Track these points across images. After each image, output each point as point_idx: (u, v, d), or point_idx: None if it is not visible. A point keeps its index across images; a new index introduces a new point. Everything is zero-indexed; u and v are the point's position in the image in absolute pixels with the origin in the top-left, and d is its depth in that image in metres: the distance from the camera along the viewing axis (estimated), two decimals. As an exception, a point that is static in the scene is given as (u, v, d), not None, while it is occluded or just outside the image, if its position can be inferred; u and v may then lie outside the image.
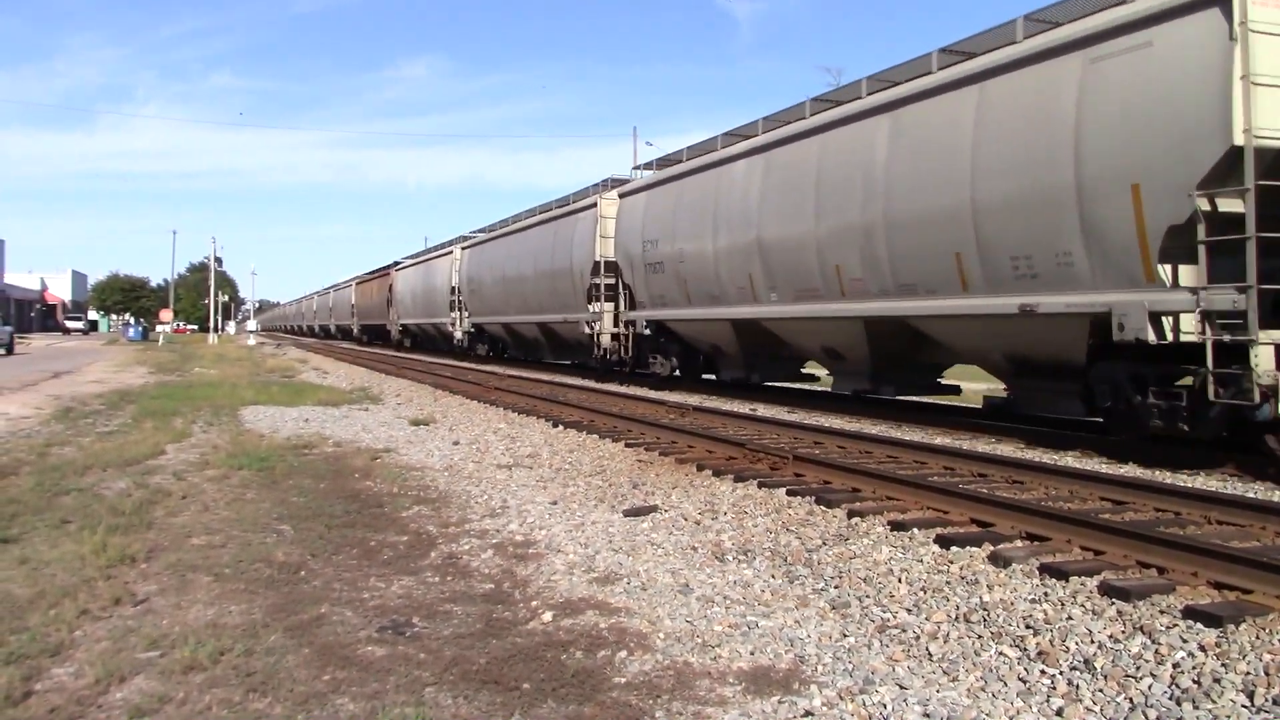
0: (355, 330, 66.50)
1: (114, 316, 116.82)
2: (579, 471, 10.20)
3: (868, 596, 5.67)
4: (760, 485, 8.78)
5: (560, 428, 13.78)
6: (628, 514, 8.03)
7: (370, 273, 63.73)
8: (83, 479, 9.47)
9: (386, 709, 4.05)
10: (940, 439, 11.99)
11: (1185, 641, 4.61)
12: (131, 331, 77.23)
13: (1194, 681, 4.21)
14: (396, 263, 53.87)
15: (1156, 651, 4.54)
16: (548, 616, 5.37)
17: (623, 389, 21.13)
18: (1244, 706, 3.97)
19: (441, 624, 5.27)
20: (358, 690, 4.31)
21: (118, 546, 6.59)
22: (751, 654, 4.81)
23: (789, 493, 8.39)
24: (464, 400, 18.80)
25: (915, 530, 6.88)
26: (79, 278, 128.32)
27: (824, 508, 7.81)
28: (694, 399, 17.64)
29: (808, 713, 4.10)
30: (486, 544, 7.12)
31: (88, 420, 15.05)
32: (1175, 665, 4.39)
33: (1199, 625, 4.79)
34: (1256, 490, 8.76)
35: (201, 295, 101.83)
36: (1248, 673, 4.23)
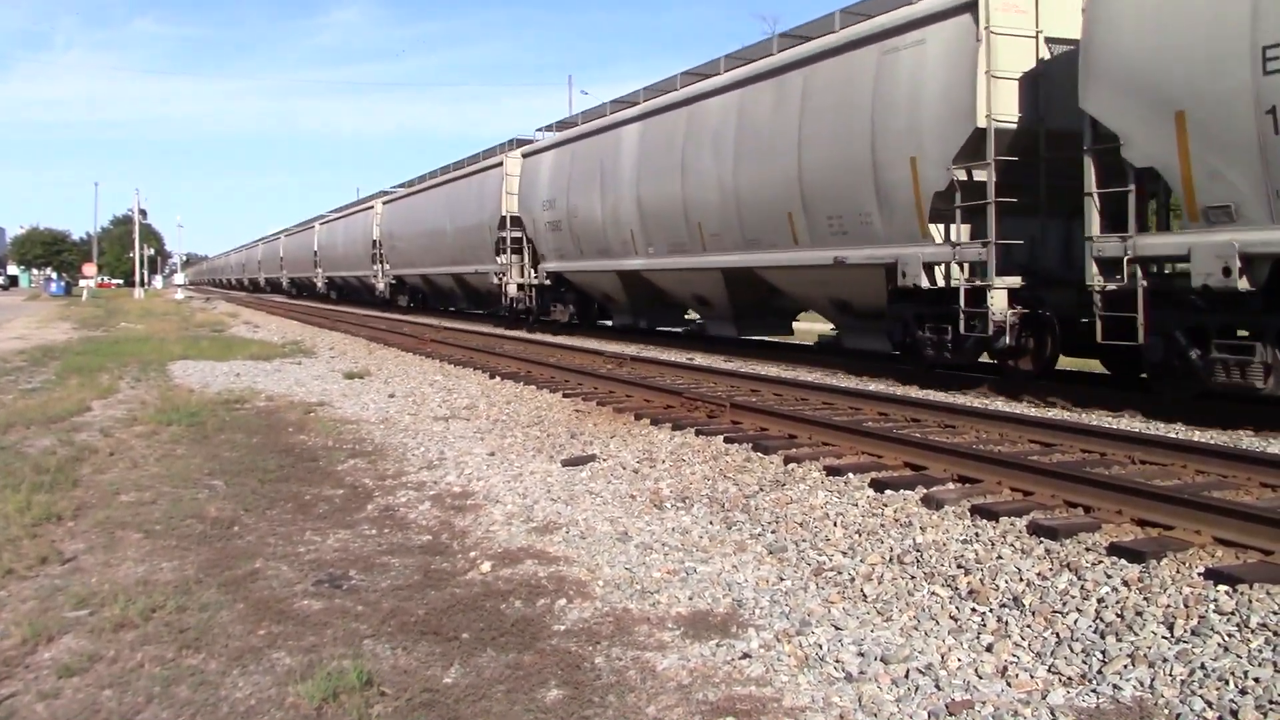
0: (284, 284, 65.46)
1: (35, 271, 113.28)
2: (516, 422, 10.16)
3: (804, 541, 5.74)
4: (698, 433, 8.82)
5: (497, 379, 13.70)
6: (566, 464, 8.03)
7: (297, 225, 62.90)
8: (5, 437, 9.22)
9: (324, 662, 4.02)
10: (874, 385, 12.15)
11: (1109, 577, 4.74)
12: (54, 287, 75.08)
13: (1117, 615, 4.34)
14: (321, 216, 54.05)
15: (1082, 588, 4.66)
16: (486, 567, 5.37)
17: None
18: (1164, 638, 4.11)
19: (379, 576, 5.24)
20: (294, 644, 4.27)
21: (43, 505, 6.44)
22: (690, 599, 4.86)
23: (726, 440, 8.44)
24: (399, 353, 18.59)
25: (851, 475, 6.97)
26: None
27: (761, 454, 7.87)
28: (631, 349, 17.66)
29: (745, 655, 4.16)
30: (424, 496, 7.08)
31: (9, 377, 14.62)
32: (1100, 600, 4.51)
33: (1123, 561, 4.92)
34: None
35: (126, 249, 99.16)
36: (1168, 605, 4.37)
